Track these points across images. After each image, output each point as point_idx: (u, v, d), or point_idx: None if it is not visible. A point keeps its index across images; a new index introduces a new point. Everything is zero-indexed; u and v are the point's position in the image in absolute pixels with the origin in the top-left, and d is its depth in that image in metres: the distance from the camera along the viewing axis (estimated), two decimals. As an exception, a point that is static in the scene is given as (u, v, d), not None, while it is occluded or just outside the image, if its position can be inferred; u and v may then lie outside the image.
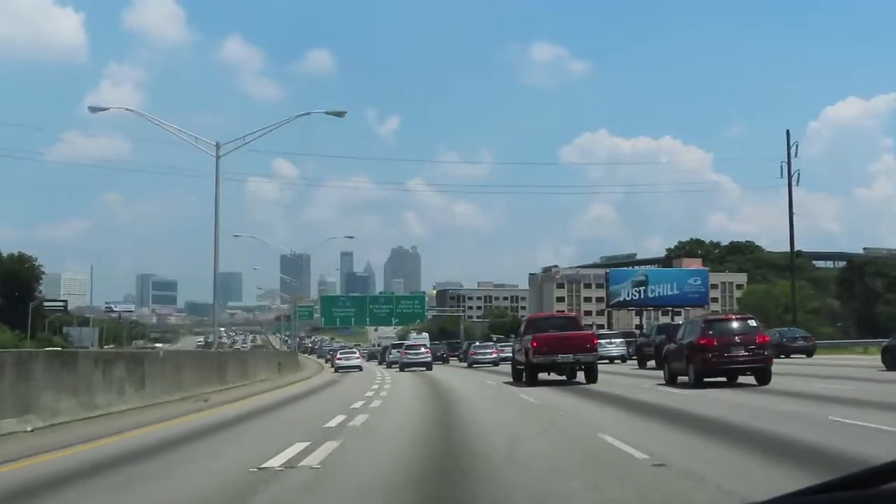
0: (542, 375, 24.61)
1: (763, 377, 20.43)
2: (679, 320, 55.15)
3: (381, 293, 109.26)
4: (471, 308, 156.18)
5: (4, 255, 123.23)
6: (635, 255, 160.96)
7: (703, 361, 20.71)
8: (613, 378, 26.75)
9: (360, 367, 50.68)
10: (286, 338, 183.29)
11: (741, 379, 20.83)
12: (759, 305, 72.88)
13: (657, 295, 75.94)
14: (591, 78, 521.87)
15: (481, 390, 23.78)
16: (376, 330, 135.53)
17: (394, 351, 51.72)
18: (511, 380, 26.73)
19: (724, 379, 20.88)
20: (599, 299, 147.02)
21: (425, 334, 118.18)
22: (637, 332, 53.37)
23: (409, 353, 46.05)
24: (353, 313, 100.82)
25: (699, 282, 76.00)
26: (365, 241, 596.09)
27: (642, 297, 75.58)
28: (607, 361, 40.04)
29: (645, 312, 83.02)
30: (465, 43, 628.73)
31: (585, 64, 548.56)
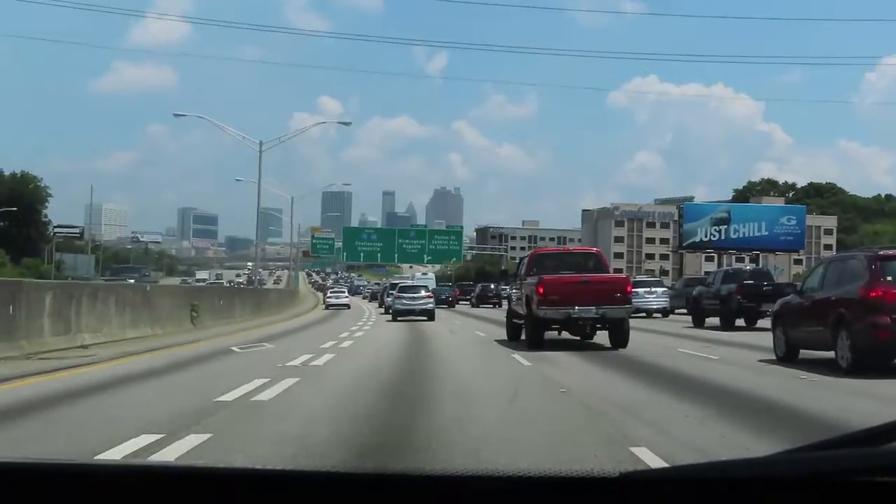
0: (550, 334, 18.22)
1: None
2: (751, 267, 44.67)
3: (412, 226, 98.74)
4: (514, 249, 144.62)
5: (6, 173, 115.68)
6: (692, 198, 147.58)
7: (874, 330, 11.72)
8: (664, 342, 19.36)
9: (348, 306, 52.37)
10: (312, 273, 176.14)
11: None
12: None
13: (741, 236, 65.04)
14: (644, 20, 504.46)
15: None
16: (411, 268, 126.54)
17: (391, 293, 40.66)
18: (505, 337, 20.55)
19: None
20: (664, 241, 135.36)
21: (431, 274, 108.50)
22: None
23: (403, 298, 35.23)
24: (379, 248, 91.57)
25: (794, 222, 65.18)
26: (408, 181, 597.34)
27: (723, 237, 64.90)
28: (643, 316, 33.36)
29: (724, 257, 71.89)
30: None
31: (639, 4, 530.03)
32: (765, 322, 24.27)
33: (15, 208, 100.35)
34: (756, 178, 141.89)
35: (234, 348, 17.40)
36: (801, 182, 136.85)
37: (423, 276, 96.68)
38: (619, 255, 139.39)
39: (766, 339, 18.71)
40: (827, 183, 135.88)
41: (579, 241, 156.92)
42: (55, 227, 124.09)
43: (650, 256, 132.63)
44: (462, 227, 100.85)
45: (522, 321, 18.65)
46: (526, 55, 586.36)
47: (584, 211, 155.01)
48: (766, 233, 65.19)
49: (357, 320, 33.79)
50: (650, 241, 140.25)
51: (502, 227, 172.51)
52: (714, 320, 26.30)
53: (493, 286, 51.36)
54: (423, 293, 35.50)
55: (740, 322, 25.04)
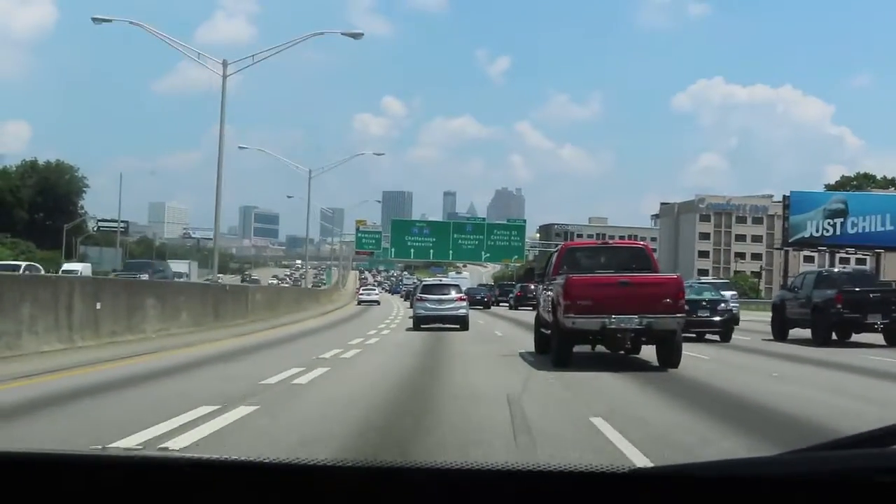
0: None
1: None
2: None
3: (468, 219, 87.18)
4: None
5: (41, 162, 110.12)
6: (772, 196, 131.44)
7: None
8: (747, 362, 15.82)
9: (378, 303, 57.45)
10: (364, 272, 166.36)
11: None
12: None
13: (860, 231, 55.15)
14: (710, 21, 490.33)
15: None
16: (465, 267, 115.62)
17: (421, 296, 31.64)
18: (534, 349, 17.15)
19: None
20: (756, 238, 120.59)
21: (466, 273, 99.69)
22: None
23: (426, 301, 28.37)
24: (431, 244, 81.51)
25: (925, 214, 54.54)
26: (469, 182, 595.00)
27: (838, 232, 55.41)
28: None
29: (826, 255, 60.62)
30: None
31: (705, 6, 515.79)
32: (860, 337, 21.05)
33: (87, 213, 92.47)
34: (826, 181, 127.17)
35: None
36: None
37: (459, 274, 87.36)
38: (704, 255, 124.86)
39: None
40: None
41: (653, 239, 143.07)
42: (98, 220, 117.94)
43: (740, 255, 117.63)
44: (524, 221, 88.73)
45: (550, 331, 15.54)
46: (592, 56, 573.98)
47: (662, 205, 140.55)
48: (892, 227, 55.25)
49: (372, 326, 28.43)
50: (740, 238, 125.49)
51: (567, 225, 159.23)
52: (805, 332, 22.42)
53: (533, 286, 45.50)
54: (452, 294, 28.75)
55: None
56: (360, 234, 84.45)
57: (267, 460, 1.47)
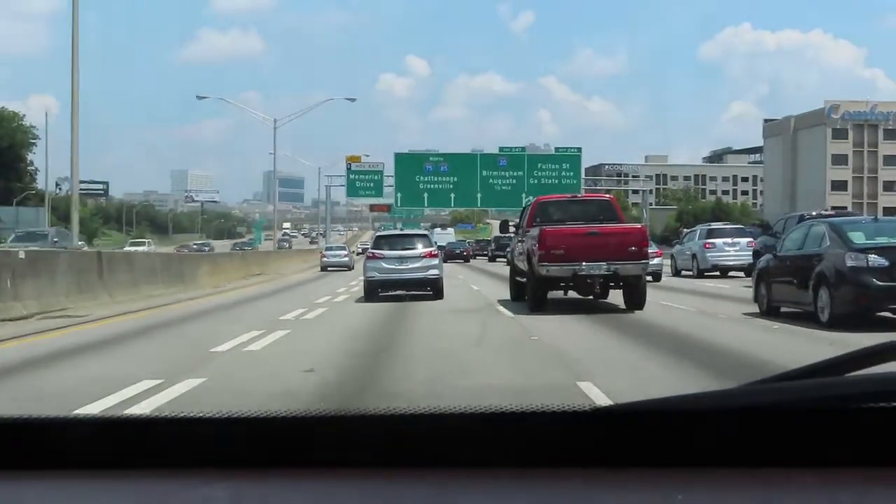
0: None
1: None
2: None
3: (501, 149, 62.90)
4: (636, 193, 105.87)
5: None
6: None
7: None
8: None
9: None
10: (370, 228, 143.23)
11: None
12: None
13: None
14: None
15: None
16: (482, 222, 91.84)
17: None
18: (508, 297, 21.09)
19: None
20: None
21: (450, 229, 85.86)
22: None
23: (382, 260, 21.24)
24: (451, 185, 58.78)
25: None
26: (497, 139, 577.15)
27: None
28: (717, 274, 29.20)
29: None
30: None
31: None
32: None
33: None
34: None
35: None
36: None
37: (443, 230, 79.69)
38: (838, 187, 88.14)
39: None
40: None
41: (725, 179, 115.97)
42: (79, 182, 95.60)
43: (890, 187, 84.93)
44: (579, 150, 64.11)
45: (524, 279, 18.65)
46: (615, 8, 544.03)
47: (766, 122, 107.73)
48: None
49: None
50: (891, 161, 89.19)
51: (621, 165, 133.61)
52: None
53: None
54: (419, 248, 21.47)
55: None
56: (351, 176, 60.07)
57: (241, 414, 1.47)
